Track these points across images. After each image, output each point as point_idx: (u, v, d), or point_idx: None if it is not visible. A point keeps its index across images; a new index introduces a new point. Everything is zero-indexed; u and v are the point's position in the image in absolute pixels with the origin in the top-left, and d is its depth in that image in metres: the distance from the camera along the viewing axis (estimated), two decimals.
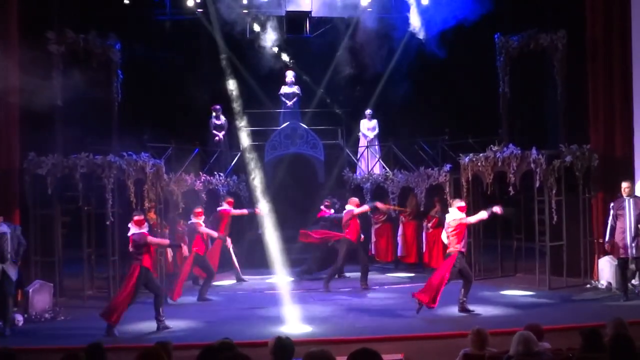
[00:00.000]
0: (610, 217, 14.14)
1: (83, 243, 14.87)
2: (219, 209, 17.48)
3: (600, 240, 15.64)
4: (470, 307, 13.09)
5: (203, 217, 15.50)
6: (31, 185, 14.71)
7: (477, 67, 19.80)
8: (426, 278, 17.13)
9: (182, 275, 15.02)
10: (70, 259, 15.93)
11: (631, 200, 13.93)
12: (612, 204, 14.32)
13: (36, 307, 13.51)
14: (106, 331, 11.92)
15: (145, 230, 12.59)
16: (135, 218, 12.57)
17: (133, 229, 12.47)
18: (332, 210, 17.82)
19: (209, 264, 15.37)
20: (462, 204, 13.34)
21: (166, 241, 13.71)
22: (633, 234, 13.81)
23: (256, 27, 22.19)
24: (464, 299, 13.06)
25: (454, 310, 13.12)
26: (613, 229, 14.06)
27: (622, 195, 14.05)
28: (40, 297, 13.72)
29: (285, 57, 23.03)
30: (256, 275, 17.79)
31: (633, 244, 13.83)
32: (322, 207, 17.97)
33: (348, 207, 16.35)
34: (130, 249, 12.49)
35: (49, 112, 15.33)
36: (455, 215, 13.05)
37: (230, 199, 17.80)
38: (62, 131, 15.57)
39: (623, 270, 14.12)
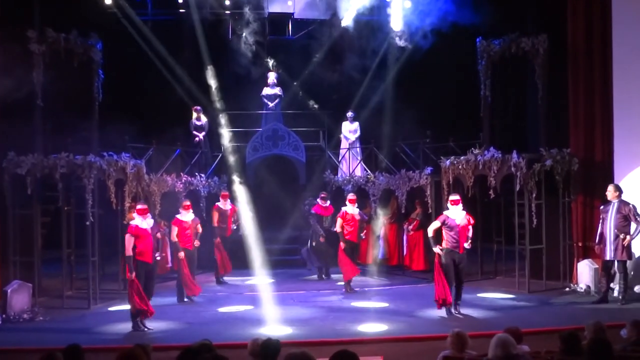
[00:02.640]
0: (601, 221, 14.30)
1: (62, 243, 14.77)
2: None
3: (580, 244, 15.77)
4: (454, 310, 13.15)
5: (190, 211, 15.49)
6: (10, 184, 14.60)
7: (458, 71, 19.86)
8: (406, 280, 17.35)
9: (186, 274, 15.08)
10: (50, 259, 15.87)
11: (615, 204, 14.04)
12: (601, 207, 14.46)
13: (15, 307, 13.42)
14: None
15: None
16: (140, 207, 12.87)
17: (146, 222, 12.67)
18: (329, 202, 17.81)
19: (193, 260, 15.34)
20: (453, 197, 13.38)
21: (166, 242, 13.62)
22: (612, 237, 13.93)
23: (238, 29, 22.18)
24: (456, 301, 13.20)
25: (433, 312, 13.15)
26: (601, 232, 14.21)
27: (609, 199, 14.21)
28: (19, 297, 13.62)
29: (267, 58, 23.00)
30: (236, 277, 17.74)
31: (612, 247, 13.96)
32: (318, 200, 17.98)
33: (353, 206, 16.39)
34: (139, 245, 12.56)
35: (29, 112, 15.24)
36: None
37: (225, 192, 17.92)
38: (42, 131, 15.47)
39: (605, 272, 14.22)
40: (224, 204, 17.51)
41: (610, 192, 14.17)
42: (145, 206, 12.95)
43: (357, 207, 16.55)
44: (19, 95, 14.64)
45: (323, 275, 17.79)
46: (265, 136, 20.86)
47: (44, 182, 14.59)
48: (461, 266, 13.11)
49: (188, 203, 15.55)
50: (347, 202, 16.46)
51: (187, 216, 15.24)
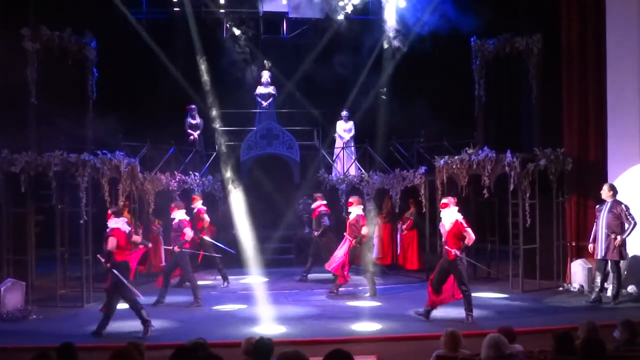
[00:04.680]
0: (596, 220, 14.37)
1: (56, 242, 14.71)
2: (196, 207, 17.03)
3: (573, 244, 15.80)
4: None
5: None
6: (4, 183, 14.56)
7: (452, 70, 19.87)
8: (400, 279, 17.36)
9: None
10: (43, 258, 15.83)
11: (608, 203, 14.07)
12: (596, 207, 14.49)
13: (8, 305, 13.39)
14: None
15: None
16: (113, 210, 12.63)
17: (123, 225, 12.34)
18: (315, 204, 17.65)
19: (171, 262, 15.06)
20: (442, 200, 13.19)
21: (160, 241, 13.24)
22: (604, 237, 13.97)
23: (233, 27, 22.18)
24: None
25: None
26: (595, 231, 14.26)
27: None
28: (12, 295, 13.59)
29: (261, 57, 22.98)
30: (230, 276, 17.71)
31: (603, 246, 14.00)
32: (317, 202, 17.77)
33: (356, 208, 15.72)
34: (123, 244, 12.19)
35: (23, 109, 15.21)
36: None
37: (194, 195, 17.34)
38: (36, 129, 15.44)
39: (600, 272, 14.23)
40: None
41: (604, 191, 14.21)
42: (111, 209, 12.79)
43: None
44: (12, 93, 14.60)
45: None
46: (259, 135, 20.87)
47: (37, 181, 14.55)
48: (452, 274, 12.50)
49: (172, 205, 15.26)
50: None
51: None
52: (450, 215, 12.63)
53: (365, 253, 15.72)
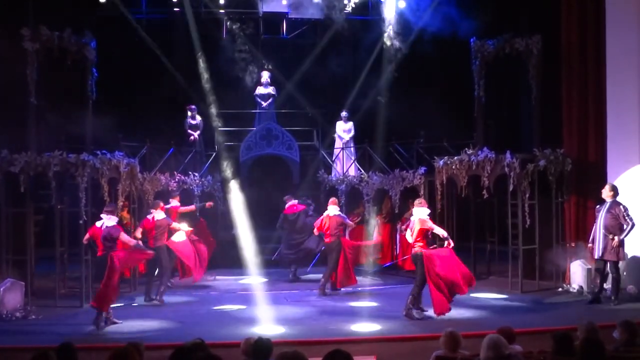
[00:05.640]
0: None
1: (55, 242, 14.73)
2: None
3: (573, 244, 15.79)
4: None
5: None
6: (3, 183, 14.54)
7: (452, 71, 19.86)
8: (399, 280, 17.36)
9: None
10: (43, 258, 15.81)
11: (608, 203, 14.07)
12: (596, 207, 14.48)
13: (7, 305, 13.39)
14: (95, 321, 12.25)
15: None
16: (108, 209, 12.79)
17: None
18: (292, 202, 17.72)
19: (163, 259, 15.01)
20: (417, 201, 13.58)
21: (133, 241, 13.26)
22: (602, 237, 13.97)
23: (232, 27, 22.18)
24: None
25: (426, 312, 13.14)
26: (594, 231, 14.26)
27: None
28: (12, 295, 13.59)
29: (261, 57, 22.98)
30: (229, 276, 17.74)
31: (601, 246, 14.00)
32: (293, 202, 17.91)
33: (334, 208, 15.97)
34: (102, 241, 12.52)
35: (23, 109, 15.20)
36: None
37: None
38: (35, 129, 15.43)
39: (599, 272, 14.23)
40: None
41: (605, 190, 14.18)
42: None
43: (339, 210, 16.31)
44: (12, 93, 14.59)
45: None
46: (259, 135, 20.86)
47: (37, 181, 14.53)
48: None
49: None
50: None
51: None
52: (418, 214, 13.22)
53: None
